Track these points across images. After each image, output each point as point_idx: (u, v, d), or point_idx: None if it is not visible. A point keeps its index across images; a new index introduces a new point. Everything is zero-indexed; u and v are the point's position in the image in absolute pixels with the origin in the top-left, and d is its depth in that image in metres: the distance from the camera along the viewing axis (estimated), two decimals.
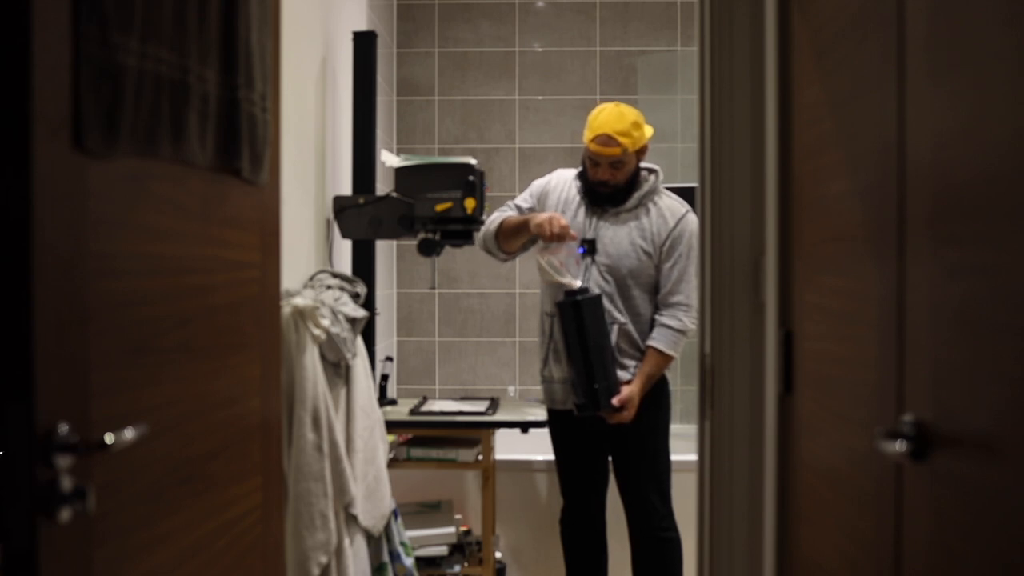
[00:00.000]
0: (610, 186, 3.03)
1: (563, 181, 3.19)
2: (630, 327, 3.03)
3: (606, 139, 2.97)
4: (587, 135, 3.02)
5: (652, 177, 3.10)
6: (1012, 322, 0.88)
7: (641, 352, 3.04)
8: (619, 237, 3.04)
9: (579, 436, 3.15)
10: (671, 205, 3.10)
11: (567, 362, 3.00)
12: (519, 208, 3.20)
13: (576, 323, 2.91)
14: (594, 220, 3.07)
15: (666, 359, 3.03)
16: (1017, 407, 0.87)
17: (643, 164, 3.10)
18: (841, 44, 1.42)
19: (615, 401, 2.93)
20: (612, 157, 2.98)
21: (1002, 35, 0.91)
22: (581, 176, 3.13)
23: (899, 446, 1.09)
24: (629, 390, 2.97)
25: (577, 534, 3.22)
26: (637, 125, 3.01)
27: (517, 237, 3.12)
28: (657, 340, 3.01)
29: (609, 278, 3.02)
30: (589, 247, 3.05)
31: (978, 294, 0.96)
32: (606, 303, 2.99)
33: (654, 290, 3.07)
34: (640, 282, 3.04)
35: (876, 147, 1.26)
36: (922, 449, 1.07)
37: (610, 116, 3.00)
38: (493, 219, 3.18)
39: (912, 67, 1.14)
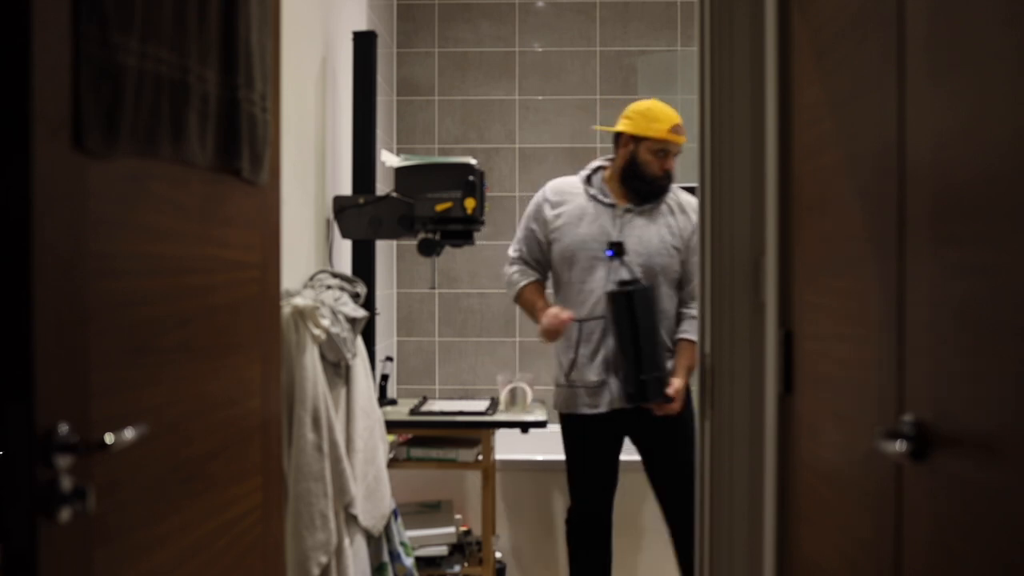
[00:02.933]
0: (671, 178, 3.12)
1: (568, 191, 3.21)
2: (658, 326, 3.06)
3: (679, 128, 3.08)
4: (658, 128, 3.07)
5: None
6: (1012, 322, 0.88)
7: (670, 351, 3.09)
8: (648, 235, 3.09)
9: (597, 439, 3.16)
10: (689, 200, 3.15)
11: (618, 353, 3.01)
12: (524, 256, 3.26)
13: (628, 314, 2.95)
14: (618, 222, 3.09)
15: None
16: (1017, 407, 0.87)
17: None
18: (841, 44, 1.42)
19: (670, 391, 2.99)
20: (682, 146, 3.09)
21: (1002, 35, 0.91)
22: (632, 178, 3.12)
23: (899, 446, 1.09)
24: (679, 381, 3.03)
25: (585, 534, 3.22)
26: None
27: (532, 316, 3.23)
28: (689, 332, 3.06)
29: (640, 277, 3.05)
30: (617, 249, 3.06)
31: (978, 294, 0.96)
32: None
33: (677, 286, 3.12)
34: (668, 278, 3.09)
35: (876, 147, 1.26)
36: (922, 449, 1.07)
37: (668, 109, 3.11)
38: (508, 280, 3.30)
39: (912, 67, 1.14)
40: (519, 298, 3.27)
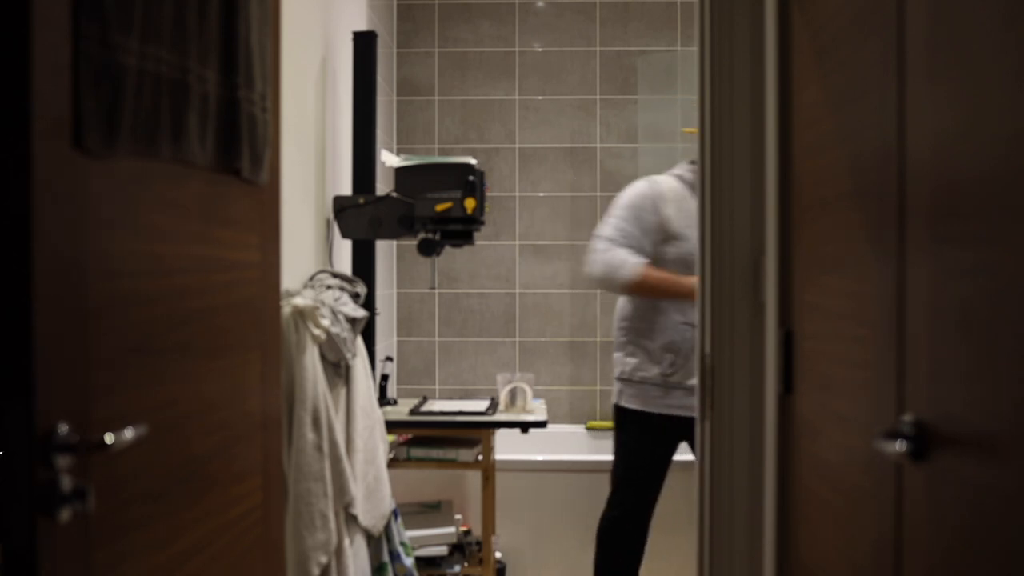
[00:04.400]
0: None
1: (682, 197, 3.06)
2: None
3: None
4: None
5: None
6: (1012, 322, 0.88)
7: None
8: None
9: (669, 442, 3.14)
10: None
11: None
12: (634, 238, 3.05)
13: None
14: None
15: None
16: (1017, 407, 0.87)
17: None
18: (841, 44, 1.42)
19: None
20: None
21: (1002, 35, 0.91)
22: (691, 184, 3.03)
23: (899, 446, 1.09)
24: None
25: (631, 539, 3.18)
26: None
27: (663, 296, 3.03)
28: None
29: None
30: None
31: (978, 294, 0.96)
32: None
33: None
34: None
35: (876, 147, 1.26)
36: (922, 449, 1.07)
37: None
38: (617, 263, 3.02)
39: (912, 67, 1.14)
40: (642, 278, 2.99)
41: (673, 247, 3.04)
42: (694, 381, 2.94)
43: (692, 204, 3.01)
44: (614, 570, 3.20)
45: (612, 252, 3.05)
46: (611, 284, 3.07)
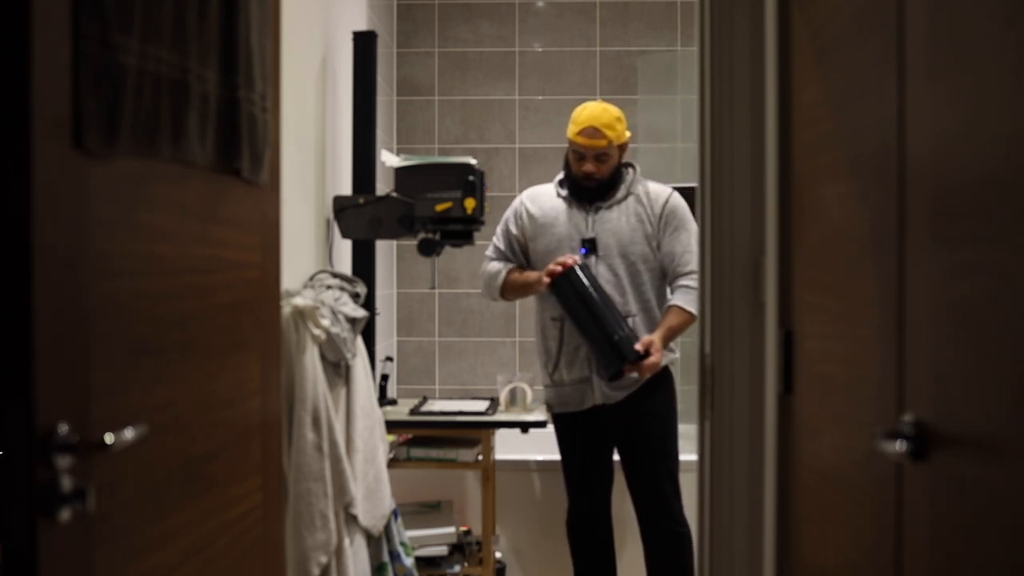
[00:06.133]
0: (595, 179, 3.11)
1: (543, 195, 3.26)
2: (639, 319, 3.07)
3: (592, 131, 3.06)
4: (572, 130, 3.10)
5: (631, 171, 3.21)
6: (1012, 322, 0.88)
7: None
8: (619, 227, 3.11)
9: (586, 436, 3.18)
10: (656, 188, 3.20)
11: (580, 333, 3.02)
12: (504, 253, 3.29)
13: (574, 288, 2.97)
14: (589, 219, 3.11)
15: (689, 316, 3.03)
16: (1017, 407, 0.87)
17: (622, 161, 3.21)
18: (841, 44, 1.43)
19: (638, 347, 2.96)
20: (598, 149, 3.06)
21: (1002, 35, 0.91)
22: (566, 178, 3.20)
23: (899, 446, 1.09)
24: (649, 336, 3.01)
25: (585, 535, 3.24)
26: (620, 120, 3.12)
27: (526, 292, 3.23)
28: (678, 299, 3.06)
29: (620, 269, 3.07)
30: (590, 246, 3.08)
31: (978, 293, 0.96)
32: (617, 296, 3.05)
33: (661, 274, 3.13)
34: (649, 266, 3.10)
35: (876, 147, 1.26)
36: (922, 449, 1.07)
37: (595, 110, 3.10)
38: (492, 273, 3.28)
39: (912, 67, 1.14)
40: (506, 282, 3.23)
41: (534, 248, 3.21)
42: (577, 375, 3.10)
43: (552, 201, 3.20)
44: (577, 566, 3.27)
45: (488, 266, 3.32)
46: (492, 293, 3.33)
